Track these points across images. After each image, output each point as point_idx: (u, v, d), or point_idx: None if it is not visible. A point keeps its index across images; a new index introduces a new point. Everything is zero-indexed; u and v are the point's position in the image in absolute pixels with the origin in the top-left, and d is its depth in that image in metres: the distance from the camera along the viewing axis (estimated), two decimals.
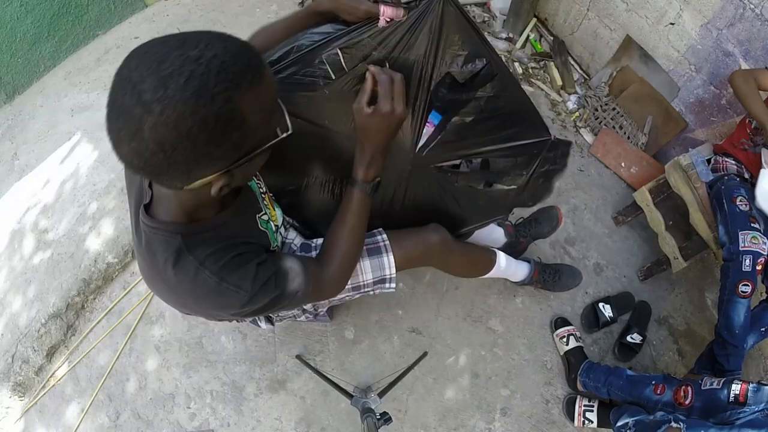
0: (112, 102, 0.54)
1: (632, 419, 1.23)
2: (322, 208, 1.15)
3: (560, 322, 1.65)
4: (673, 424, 1.09)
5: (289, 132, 0.69)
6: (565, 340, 1.60)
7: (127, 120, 0.53)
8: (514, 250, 1.63)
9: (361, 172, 0.90)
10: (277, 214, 1.05)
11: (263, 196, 0.99)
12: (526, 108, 1.14)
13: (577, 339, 1.60)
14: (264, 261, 0.77)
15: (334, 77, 0.96)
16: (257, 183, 0.98)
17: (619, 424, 1.26)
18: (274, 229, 0.92)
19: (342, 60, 0.94)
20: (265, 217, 0.90)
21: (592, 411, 1.49)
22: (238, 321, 0.81)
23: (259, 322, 1.20)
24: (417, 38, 0.95)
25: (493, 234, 1.59)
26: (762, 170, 1.41)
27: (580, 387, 1.52)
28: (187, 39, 0.55)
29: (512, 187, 1.24)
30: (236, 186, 0.69)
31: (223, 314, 0.76)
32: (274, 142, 0.66)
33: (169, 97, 0.52)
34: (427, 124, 1.09)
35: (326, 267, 0.91)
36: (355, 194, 0.91)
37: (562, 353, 1.61)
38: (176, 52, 0.53)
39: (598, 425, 1.48)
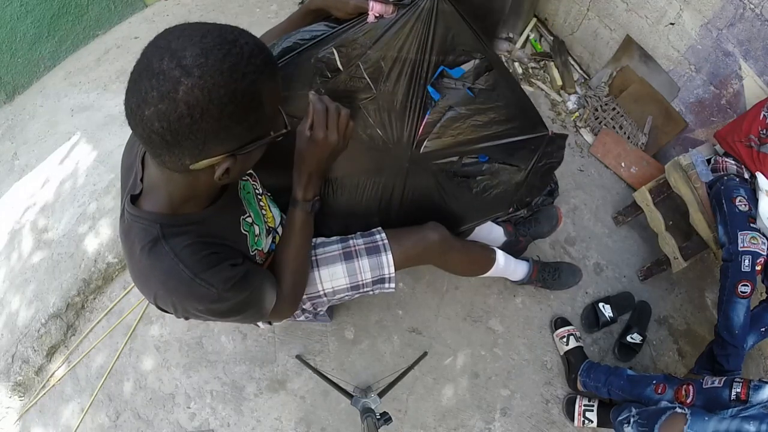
0: (145, 65, 0.58)
1: (636, 410, 1.22)
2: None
3: (560, 322, 1.65)
4: (678, 410, 1.09)
5: (288, 129, 0.73)
6: (564, 340, 1.60)
7: (162, 81, 0.56)
8: (514, 249, 1.63)
9: (299, 192, 0.92)
10: (275, 214, 1.05)
11: (259, 197, 0.99)
12: (523, 104, 1.14)
13: (576, 339, 1.60)
14: (238, 264, 0.78)
15: (329, 76, 0.96)
16: (252, 185, 0.98)
17: (620, 417, 1.26)
18: (256, 232, 0.92)
19: (337, 59, 0.94)
20: (249, 220, 0.91)
21: (592, 411, 1.49)
22: (203, 320, 0.82)
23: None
24: (412, 35, 0.95)
25: (492, 233, 1.59)
26: (760, 193, 1.41)
27: (580, 387, 1.52)
28: (222, 25, 0.62)
29: (511, 182, 1.25)
30: (232, 179, 0.72)
31: (191, 309, 0.75)
32: (276, 135, 0.71)
33: (209, 66, 0.57)
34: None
35: (279, 288, 0.92)
36: (296, 214, 0.94)
37: (562, 353, 1.61)
38: (216, 32, 0.60)
39: (598, 425, 1.48)
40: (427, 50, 0.97)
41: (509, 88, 1.10)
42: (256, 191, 0.99)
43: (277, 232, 1.06)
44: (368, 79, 0.98)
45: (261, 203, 0.99)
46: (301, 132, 0.87)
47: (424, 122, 1.08)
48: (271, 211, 1.03)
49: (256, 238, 0.93)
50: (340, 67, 0.95)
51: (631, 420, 1.20)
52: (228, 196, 0.84)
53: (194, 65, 0.56)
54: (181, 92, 0.56)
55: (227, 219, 0.84)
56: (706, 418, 1.04)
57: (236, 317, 0.82)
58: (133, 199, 0.75)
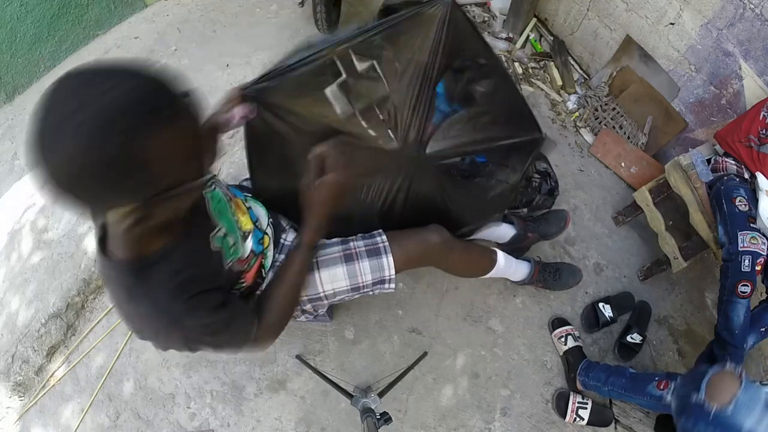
0: (35, 122, 0.55)
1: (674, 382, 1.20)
2: None
3: (557, 322, 1.65)
4: (729, 367, 1.05)
5: (206, 179, 0.68)
6: (563, 339, 1.60)
7: (32, 159, 0.54)
8: (519, 246, 1.63)
9: (307, 236, 0.97)
10: (259, 214, 1.05)
11: (230, 203, 0.96)
12: (521, 108, 1.17)
13: (575, 338, 1.60)
14: (218, 306, 0.79)
15: (344, 75, 0.97)
16: (221, 191, 0.94)
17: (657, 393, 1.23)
18: (231, 242, 0.90)
19: (354, 60, 0.96)
20: (220, 234, 0.88)
21: (586, 409, 1.49)
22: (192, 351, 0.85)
23: None
24: (426, 38, 0.97)
25: (498, 229, 1.59)
26: (760, 193, 1.41)
27: (580, 387, 1.52)
28: (96, 76, 0.55)
29: (507, 184, 1.26)
30: (165, 219, 0.67)
31: (171, 346, 0.80)
32: (194, 184, 0.65)
33: (61, 144, 0.53)
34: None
35: (264, 319, 0.93)
36: (298, 258, 0.98)
37: (560, 353, 1.61)
38: (73, 99, 0.53)
39: (588, 423, 1.49)
40: (438, 53, 1.00)
41: (510, 92, 1.13)
42: (227, 197, 0.96)
43: (266, 233, 1.06)
44: (384, 79, 1.00)
45: (235, 208, 0.97)
46: (306, 186, 0.92)
47: (430, 124, 1.09)
48: (248, 214, 1.00)
49: (231, 249, 0.90)
50: (357, 66, 0.97)
51: (671, 387, 1.18)
52: (192, 217, 0.81)
53: (47, 146, 0.53)
54: (48, 172, 0.54)
55: (194, 243, 0.82)
56: (757, 385, 1.00)
57: (216, 349, 0.85)
58: (102, 240, 0.76)
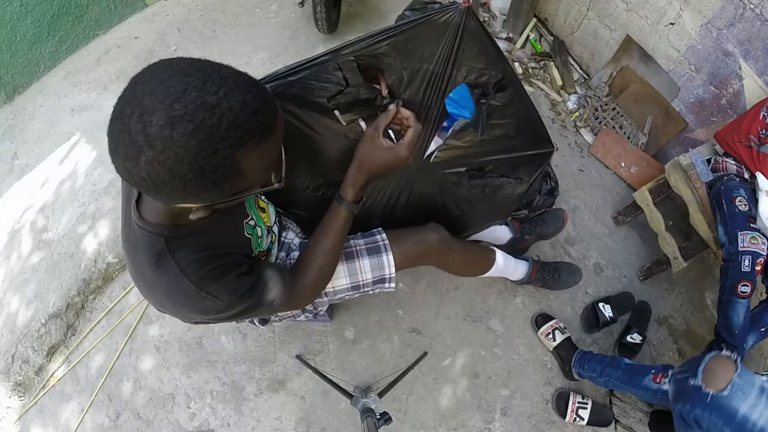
0: (119, 113, 0.54)
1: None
2: (321, 209, 1.16)
3: (541, 319, 1.64)
4: (725, 352, 1.05)
5: (282, 185, 0.71)
6: (550, 336, 1.59)
7: (128, 142, 0.53)
8: (517, 248, 1.63)
9: (351, 193, 0.92)
10: (270, 212, 1.05)
11: (254, 198, 0.99)
12: (534, 120, 1.15)
13: (562, 332, 1.59)
14: (244, 273, 0.78)
15: (347, 85, 0.94)
16: None
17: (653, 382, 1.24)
18: (259, 234, 0.92)
19: (358, 67, 0.93)
20: (251, 223, 0.90)
21: (586, 408, 1.49)
22: (212, 323, 0.83)
23: (255, 322, 1.20)
24: (436, 47, 0.95)
25: (496, 231, 1.59)
26: (760, 193, 1.41)
27: (576, 377, 1.52)
28: (208, 79, 0.53)
29: (513, 193, 1.26)
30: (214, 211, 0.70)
31: (198, 318, 0.77)
32: (262, 190, 0.69)
33: (173, 140, 0.52)
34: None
35: (301, 279, 0.92)
36: (342, 213, 0.93)
37: (550, 350, 1.61)
38: (194, 93, 0.52)
39: (588, 423, 1.49)
40: (450, 64, 0.97)
41: (523, 105, 1.11)
42: None
43: (273, 232, 1.06)
44: (388, 88, 0.98)
45: (259, 205, 0.99)
46: (374, 136, 0.88)
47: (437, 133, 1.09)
48: (266, 211, 1.03)
49: (259, 240, 0.92)
50: (360, 74, 0.94)
51: (669, 373, 1.18)
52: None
53: (158, 136, 0.52)
54: (143, 162, 0.53)
55: (230, 225, 0.84)
56: (752, 373, 1.00)
57: (248, 317, 0.83)
58: (136, 203, 0.74)
